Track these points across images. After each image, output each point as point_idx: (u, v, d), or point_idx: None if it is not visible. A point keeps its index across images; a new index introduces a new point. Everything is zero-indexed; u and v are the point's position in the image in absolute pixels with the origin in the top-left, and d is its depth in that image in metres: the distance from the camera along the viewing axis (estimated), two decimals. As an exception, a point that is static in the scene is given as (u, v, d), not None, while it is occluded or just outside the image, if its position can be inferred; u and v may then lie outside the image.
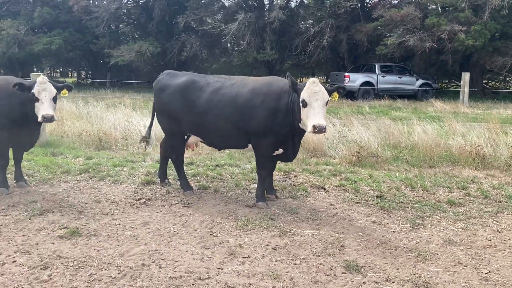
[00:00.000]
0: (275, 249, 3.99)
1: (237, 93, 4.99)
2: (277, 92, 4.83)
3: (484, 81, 29.01)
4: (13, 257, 3.75)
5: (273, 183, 5.59)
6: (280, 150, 5.00)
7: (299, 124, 4.66)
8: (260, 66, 31.03)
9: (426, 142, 8.04)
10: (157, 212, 4.92)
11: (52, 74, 49.92)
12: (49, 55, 27.47)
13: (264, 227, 4.46)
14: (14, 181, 5.80)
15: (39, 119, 5.06)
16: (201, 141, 5.52)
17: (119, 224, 4.53)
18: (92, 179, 6.19)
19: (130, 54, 25.07)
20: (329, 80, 26.27)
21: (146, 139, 6.09)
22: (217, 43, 28.87)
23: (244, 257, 3.81)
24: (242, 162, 7.30)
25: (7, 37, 26.73)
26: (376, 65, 23.85)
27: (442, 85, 31.51)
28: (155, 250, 3.92)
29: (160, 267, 3.62)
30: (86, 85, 32.48)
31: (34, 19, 27.47)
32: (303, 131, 4.84)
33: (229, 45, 33.06)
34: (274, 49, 26.34)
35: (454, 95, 21.62)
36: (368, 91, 22.28)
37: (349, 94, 22.34)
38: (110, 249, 3.93)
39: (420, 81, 23.82)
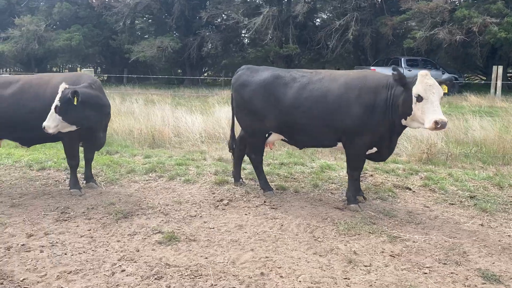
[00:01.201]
0: (393, 257, 3.71)
1: (327, 88, 4.69)
2: (373, 87, 4.53)
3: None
4: (119, 265, 3.51)
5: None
6: (374, 149, 4.71)
7: (402, 120, 4.36)
8: (278, 61, 30.67)
9: (492, 138, 7.70)
10: (246, 214, 4.65)
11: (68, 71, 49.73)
12: (69, 51, 27.26)
13: (369, 232, 4.18)
14: (84, 182, 5.58)
15: None
16: (282, 140, 5.23)
17: (213, 228, 4.28)
18: (161, 178, 5.94)
19: (151, 50, 24.79)
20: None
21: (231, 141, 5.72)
22: (238, 38, 28.54)
23: (365, 266, 3.54)
24: (306, 160, 7.02)
25: (27, 33, 26.63)
26: (402, 59, 23.39)
27: (466, 79, 30.95)
28: (266, 257, 3.66)
29: (281, 276, 3.36)
30: (103, 81, 32.33)
31: (53, 15, 27.33)
32: (403, 128, 4.55)
33: (247, 40, 32.74)
34: (295, 43, 25.93)
35: (480, 89, 21.08)
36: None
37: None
38: (217, 256, 3.68)
39: (446, 75, 23.26)
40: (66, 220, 4.44)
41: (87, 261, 3.57)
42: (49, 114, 4.65)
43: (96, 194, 5.30)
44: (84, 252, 3.74)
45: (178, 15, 27.76)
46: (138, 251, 3.76)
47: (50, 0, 29.91)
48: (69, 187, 5.34)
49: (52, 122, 4.67)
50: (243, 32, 28.93)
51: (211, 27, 28.04)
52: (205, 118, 9.25)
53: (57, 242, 3.91)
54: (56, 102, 4.65)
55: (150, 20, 31.59)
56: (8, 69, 40.66)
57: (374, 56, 28.24)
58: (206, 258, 3.64)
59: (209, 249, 3.81)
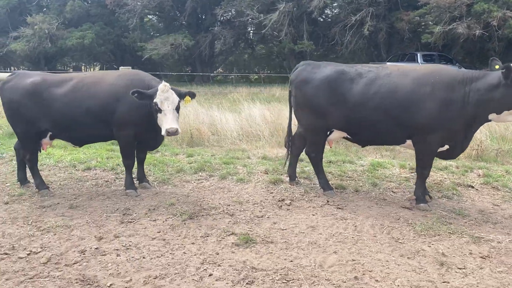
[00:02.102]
0: (484, 258, 3.57)
1: (396, 83, 4.53)
2: (447, 82, 4.37)
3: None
4: (204, 269, 3.38)
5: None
6: (446, 147, 4.55)
7: (492, 115, 4.21)
8: (290, 57, 30.49)
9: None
10: (313, 215, 4.52)
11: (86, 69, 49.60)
12: (81, 49, 27.17)
13: (449, 232, 4.03)
14: (137, 182, 5.45)
15: (163, 132, 4.63)
16: (345, 137, 5.07)
17: (285, 229, 4.14)
18: (212, 178, 5.82)
19: (165, 47, 24.64)
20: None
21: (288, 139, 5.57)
22: (250, 34, 28.35)
23: (459, 268, 3.39)
24: (353, 158, 6.88)
25: (39, 32, 26.52)
26: (418, 54, 23.19)
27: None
28: (352, 260, 3.52)
29: (376, 280, 3.22)
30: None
31: (66, 13, 27.21)
32: (481, 125, 4.40)
33: (258, 36, 32.55)
34: (309, 39, 25.71)
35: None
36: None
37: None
38: (301, 259, 3.54)
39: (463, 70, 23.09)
40: (131, 222, 4.31)
41: (169, 265, 3.44)
42: (173, 115, 4.58)
43: (152, 194, 5.17)
44: (162, 255, 3.61)
45: (190, 12, 27.61)
46: (217, 253, 3.64)
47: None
48: (124, 188, 5.21)
49: (178, 123, 4.62)
50: (256, 29, 28.69)
51: (224, 23, 27.82)
52: (237, 116, 9.11)
53: (130, 245, 3.79)
54: (176, 102, 4.60)
55: (160, 18, 31.40)
56: (15, 68, 40.60)
57: (387, 52, 27.99)
58: (291, 261, 3.51)
59: (290, 252, 3.67)
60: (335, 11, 26.92)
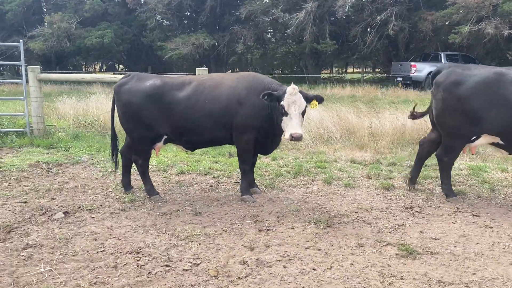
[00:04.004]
0: None
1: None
2: None
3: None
4: (390, 282, 3.20)
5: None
6: None
7: None
8: (307, 58, 30.34)
9: None
10: (453, 223, 4.35)
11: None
12: (100, 48, 26.92)
13: None
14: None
15: (286, 136, 4.48)
16: (492, 143, 4.79)
17: (437, 238, 3.96)
18: (315, 182, 5.67)
19: (187, 47, 24.42)
20: (391, 70, 25.43)
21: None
22: (271, 34, 28.18)
23: None
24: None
25: (57, 31, 26.27)
26: (442, 54, 23.09)
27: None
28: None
29: None
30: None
31: (85, 12, 26.95)
32: None
33: (280, 35, 32.39)
34: (332, 39, 25.55)
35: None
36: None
37: (415, 84, 21.69)
38: (481, 271, 3.37)
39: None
40: (269, 230, 4.14)
41: (348, 278, 3.26)
42: (299, 120, 4.42)
43: (267, 199, 5.01)
44: (330, 267, 3.43)
45: (209, 11, 27.41)
46: (389, 266, 3.46)
47: (79, -3, 29.56)
48: (240, 193, 5.04)
49: (302, 128, 4.46)
50: (274, 28, 28.52)
51: (243, 22, 27.60)
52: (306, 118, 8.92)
53: (289, 256, 3.61)
54: (303, 106, 4.44)
55: (179, 17, 31.18)
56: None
57: (406, 52, 27.86)
58: (474, 273, 3.34)
59: (463, 263, 3.50)
60: (355, 10, 26.67)
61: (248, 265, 3.46)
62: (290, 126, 4.43)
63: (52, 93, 15.77)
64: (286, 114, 4.48)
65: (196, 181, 5.76)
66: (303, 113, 4.56)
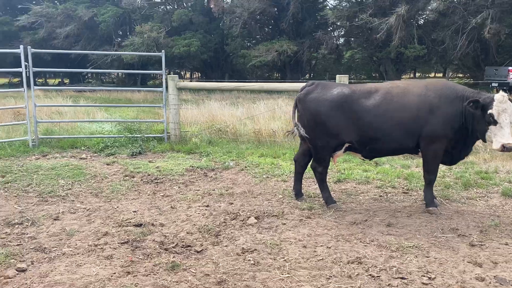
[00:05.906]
0: None
1: None
2: None
3: None
4: None
5: None
6: None
7: None
8: (387, 62, 29.54)
9: None
10: None
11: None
12: (187, 57, 27.97)
13: None
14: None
15: (495, 146, 4.26)
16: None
17: None
18: (492, 195, 5.38)
19: (270, 54, 24.69)
20: (485, 76, 24.08)
21: None
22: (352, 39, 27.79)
23: None
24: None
25: (147, 40, 27.63)
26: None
27: None
28: None
29: None
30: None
31: (173, 22, 28.14)
32: None
33: (353, 40, 31.86)
34: (421, 43, 24.68)
35: None
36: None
37: (512, 90, 20.40)
38: None
39: None
40: (482, 245, 3.94)
41: None
42: (510, 129, 4.22)
43: (452, 212, 4.81)
44: None
45: (291, 18, 27.56)
46: None
47: (165, 8, 30.94)
48: (425, 204, 4.89)
49: None
50: (357, 32, 28.08)
51: (324, 28, 27.48)
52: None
53: (526, 275, 3.40)
54: None
55: (261, 25, 31.70)
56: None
57: (497, 56, 26.18)
58: None
59: None
60: (445, 13, 25.54)
61: (485, 282, 3.31)
62: (501, 135, 4.23)
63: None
64: (495, 123, 4.28)
65: (361, 190, 5.68)
66: None
